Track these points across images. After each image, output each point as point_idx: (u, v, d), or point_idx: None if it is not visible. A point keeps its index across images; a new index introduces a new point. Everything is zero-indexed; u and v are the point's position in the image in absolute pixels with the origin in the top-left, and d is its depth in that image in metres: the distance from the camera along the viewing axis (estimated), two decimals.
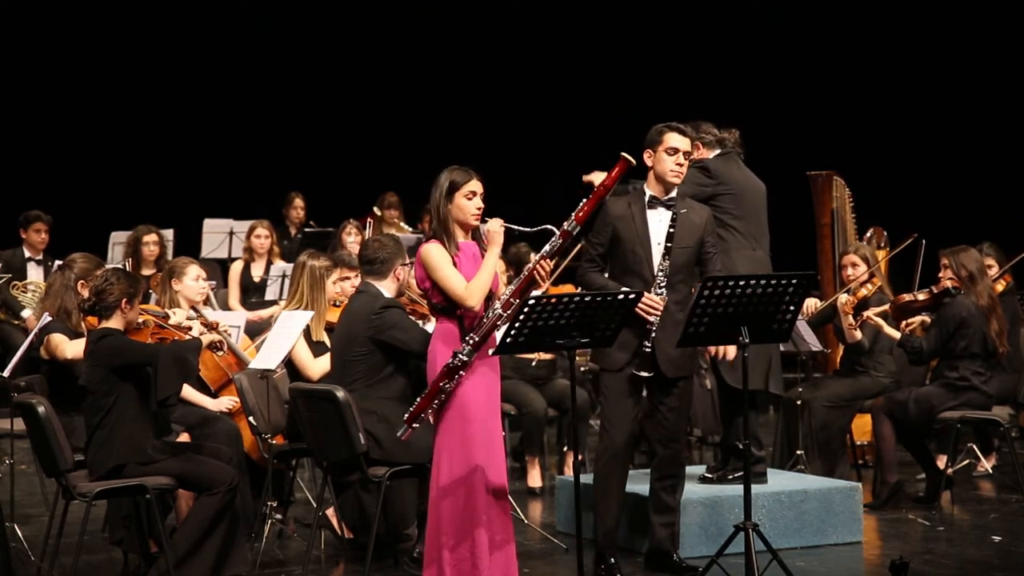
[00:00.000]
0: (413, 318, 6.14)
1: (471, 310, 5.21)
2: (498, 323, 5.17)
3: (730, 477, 6.58)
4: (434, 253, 5.26)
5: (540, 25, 13.69)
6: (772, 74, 13.21)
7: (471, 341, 5.16)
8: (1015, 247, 8.71)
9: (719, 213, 6.68)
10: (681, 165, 5.79)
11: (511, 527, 5.37)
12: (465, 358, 5.15)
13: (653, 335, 5.66)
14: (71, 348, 6.28)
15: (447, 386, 5.17)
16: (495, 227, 5.26)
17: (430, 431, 5.36)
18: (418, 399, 5.25)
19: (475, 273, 5.24)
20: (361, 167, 13.03)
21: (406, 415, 5.26)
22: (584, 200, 5.30)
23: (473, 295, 5.20)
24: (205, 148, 13.12)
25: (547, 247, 5.24)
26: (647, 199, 5.80)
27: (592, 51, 13.57)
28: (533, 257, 5.28)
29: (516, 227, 5.30)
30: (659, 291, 5.67)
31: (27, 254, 10.33)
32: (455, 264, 5.25)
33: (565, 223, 5.25)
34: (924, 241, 8.36)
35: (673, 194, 5.83)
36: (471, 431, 5.20)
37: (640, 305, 5.53)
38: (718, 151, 6.84)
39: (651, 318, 5.63)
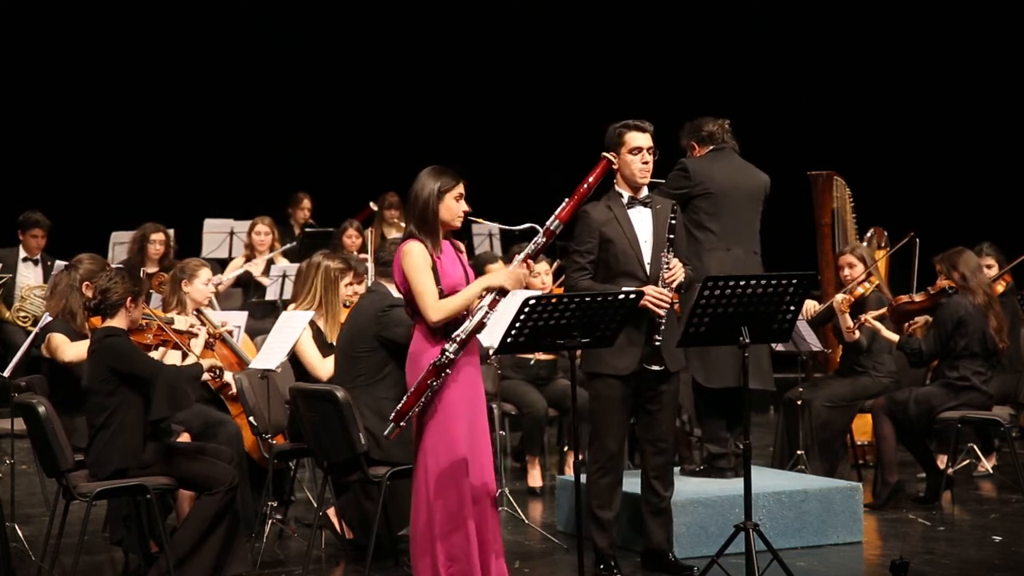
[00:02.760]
0: None
1: (430, 323, 5.09)
2: (485, 320, 5.11)
3: (698, 469, 6.93)
4: (415, 253, 5.14)
5: (540, 25, 13.69)
6: (773, 74, 13.21)
7: (458, 339, 5.08)
8: (1015, 247, 8.70)
9: (695, 214, 6.70)
10: (647, 163, 5.78)
11: (498, 529, 5.30)
12: (452, 356, 5.09)
13: (663, 327, 5.65)
14: (71, 350, 6.27)
15: (435, 384, 5.10)
16: (517, 269, 5.14)
17: None
18: (404, 397, 5.15)
19: (454, 275, 5.16)
20: (362, 168, 13.02)
21: (392, 414, 5.15)
22: (566, 199, 5.30)
23: (439, 312, 5.08)
24: (205, 148, 13.11)
25: (530, 247, 5.20)
26: (625, 200, 5.81)
27: (591, 50, 13.57)
28: (517, 258, 5.20)
29: (502, 226, 5.31)
30: (664, 286, 5.66)
31: (22, 254, 10.40)
32: (437, 265, 5.15)
33: (548, 222, 5.22)
34: (918, 240, 8.36)
35: (645, 191, 5.84)
36: (454, 428, 5.13)
37: (649, 299, 5.55)
38: (710, 147, 6.84)
39: (660, 311, 5.62)
